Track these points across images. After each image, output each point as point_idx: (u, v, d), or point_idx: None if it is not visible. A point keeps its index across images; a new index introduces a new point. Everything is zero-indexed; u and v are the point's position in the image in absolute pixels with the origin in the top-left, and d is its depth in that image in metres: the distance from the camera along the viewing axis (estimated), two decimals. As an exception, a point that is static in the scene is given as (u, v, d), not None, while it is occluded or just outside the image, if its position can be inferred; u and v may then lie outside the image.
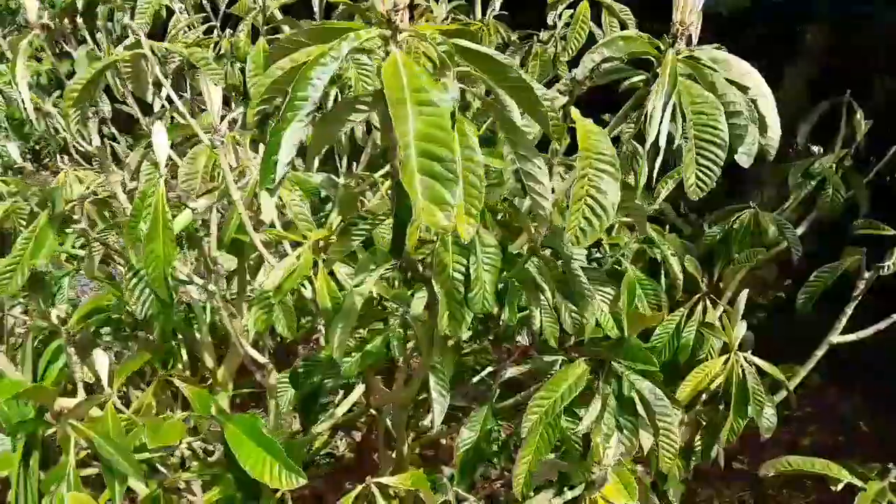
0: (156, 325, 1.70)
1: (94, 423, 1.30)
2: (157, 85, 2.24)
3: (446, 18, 2.81)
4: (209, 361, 2.21)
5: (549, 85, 2.39)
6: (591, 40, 2.14)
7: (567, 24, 2.19)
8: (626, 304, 1.33)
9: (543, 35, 2.24)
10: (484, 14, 2.44)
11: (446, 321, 1.04)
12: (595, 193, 0.86)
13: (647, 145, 0.87)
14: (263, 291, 1.28)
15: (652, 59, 0.95)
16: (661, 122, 0.86)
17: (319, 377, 1.62)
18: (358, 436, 3.19)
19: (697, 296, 2.14)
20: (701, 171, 0.87)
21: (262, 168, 0.67)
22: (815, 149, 2.35)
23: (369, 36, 0.69)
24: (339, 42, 0.67)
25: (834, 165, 2.08)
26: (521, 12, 2.76)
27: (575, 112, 0.90)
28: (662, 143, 0.86)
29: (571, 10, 2.14)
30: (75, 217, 1.52)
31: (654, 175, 0.90)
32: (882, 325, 1.57)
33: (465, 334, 2.36)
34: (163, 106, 1.93)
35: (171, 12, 2.14)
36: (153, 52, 1.50)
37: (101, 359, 1.32)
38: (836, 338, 1.64)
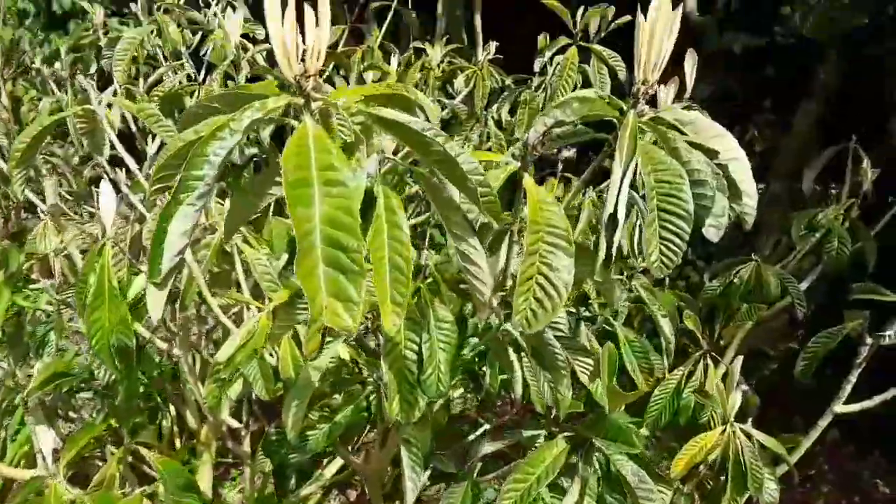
0: (120, 389, 1.63)
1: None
2: (146, 133, 2.20)
3: (442, 61, 2.79)
4: (192, 421, 2.13)
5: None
6: (586, 84, 2.08)
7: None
8: (605, 377, 1.23)
9: (534, 81, 2.18)
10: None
11: (397, 406, 0.95)
12: (546, 271, 0.78)
13: (605, 216, 0.78)
14: (216, 364, 1.20)
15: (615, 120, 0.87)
16: (619, 191, 0.78)
17: (287, 450, 1.53)
18: (353, 494, 3.08)
19: (698, 353, 2.06)
20: (665, 244, 0.79)
21: (149, 257, 0.60)
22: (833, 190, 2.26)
23: (277, 105, 0.62)
24: (241, 113, 0.60)
25: (840, 216, 1.97)
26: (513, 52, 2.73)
27: (527, 180, 0.82)
28: (622, 214, 0.78)
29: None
30: (34, 276, 1.45)
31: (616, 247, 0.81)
32: (889, 395, 1.45)
33: (457, 391, 2.26)
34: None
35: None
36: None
37: (45, 435, 1.23)
38: (839, 407, 1.52)
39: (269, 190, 0.71)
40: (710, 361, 2.05)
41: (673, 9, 0.87)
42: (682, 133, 0.85)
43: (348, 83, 2.73)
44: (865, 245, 1.92)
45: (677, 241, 0.78)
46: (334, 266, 0.56)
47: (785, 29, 3.42)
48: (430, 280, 1.00)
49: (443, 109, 2.51)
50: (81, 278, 1.22)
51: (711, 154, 0.83)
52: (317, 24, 0.59)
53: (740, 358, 1.47)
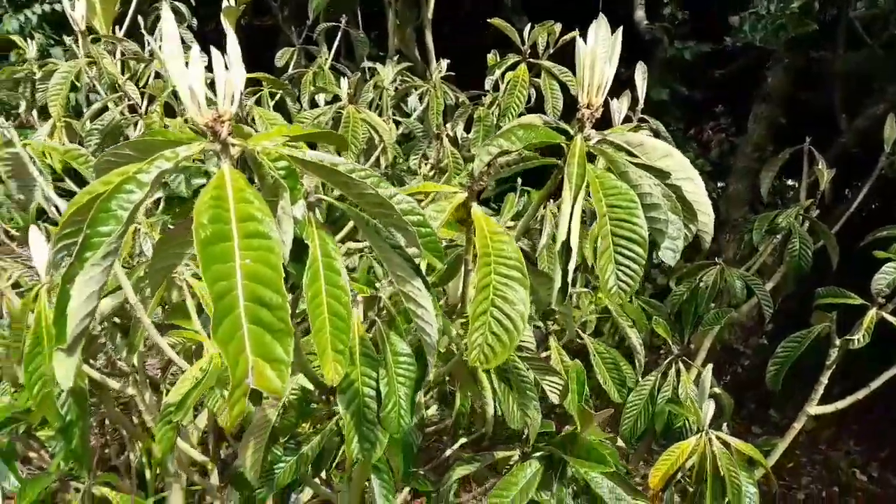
0: (75, 432, 1.55)
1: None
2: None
3: (394, 80, 2.74)
4: (157, 451, 2.06)
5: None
6: (539, 98, 2.05)
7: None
8: (574, 398, 1.19)
9: (487, 98, 2.15)
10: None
11: (356, 447, 0.90)
12: (501, 304, 0.74)
13: (558, 245, 0.75)
14: (167, 406, 1.14)
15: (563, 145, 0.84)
16: (570, 219, 0.74)
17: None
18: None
19: (669, 359, 2.05)
20: (621, 270, 0.76)
21: (53, 322, 0.55)
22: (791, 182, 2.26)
23: (189, 153, 0.57)
24: (149, 164, 0.56)
25: (800, 217, 1.97)
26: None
27: (475, 211, 0.79)
28: (574, 243, 0.75)
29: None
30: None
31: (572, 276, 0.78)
32: (860, 395, 1.44)
33: (433, 408, 2.22)
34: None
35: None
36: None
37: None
38: (813, 409, 1.51)
39: (176, 261, 0.66)
40: (681, 366, 2.04)
41: (618, 24, 0.84)
42: (633, 155, 0.82)
43: (301, 105, 2.67)
44: (828, 245, 1.91)
45: (633, 266, 0.75)
46: (259, 324, 0.52)
47: (734, 37, 3.45)
48: (385, 312, 0.96)
49: (398, 127, 2.47)
50: (15, 325, 1.17)
51: (663, 175, 0.80)
52: (226, 66, 0.54)
53: (710, 366, 1.45)
